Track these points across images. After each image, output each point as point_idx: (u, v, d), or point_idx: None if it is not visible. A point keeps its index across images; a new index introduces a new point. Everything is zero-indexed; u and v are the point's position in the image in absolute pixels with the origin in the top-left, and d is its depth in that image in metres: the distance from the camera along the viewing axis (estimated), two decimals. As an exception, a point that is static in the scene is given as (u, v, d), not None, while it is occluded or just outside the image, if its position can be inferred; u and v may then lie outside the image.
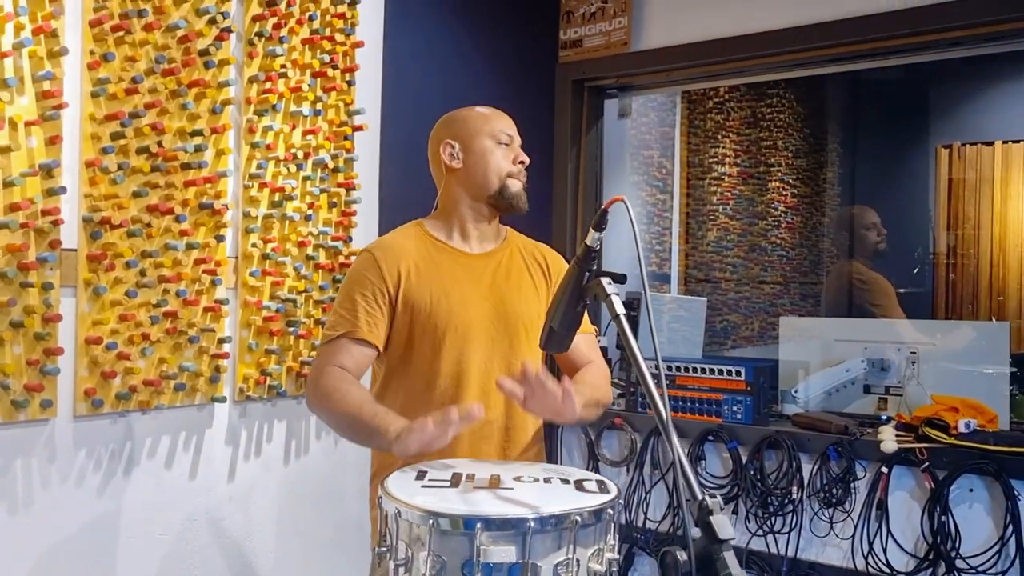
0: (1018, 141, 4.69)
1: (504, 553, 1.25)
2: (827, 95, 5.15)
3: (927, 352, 2.79)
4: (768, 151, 4.79)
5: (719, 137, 4.46)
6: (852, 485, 2.49)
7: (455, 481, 1.43)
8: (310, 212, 2.56)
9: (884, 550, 2.42)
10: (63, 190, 1.97)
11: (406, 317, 1.80)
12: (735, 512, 2.65)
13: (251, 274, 2.42)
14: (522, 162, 1.87)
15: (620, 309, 1.29)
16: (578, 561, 1.29)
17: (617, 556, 1.36)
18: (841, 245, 3.98)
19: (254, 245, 2.44)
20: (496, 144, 1.85)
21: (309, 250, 2.56)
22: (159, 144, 2.17)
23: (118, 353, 2.11)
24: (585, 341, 1.90)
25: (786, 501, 2.57)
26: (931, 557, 2.35)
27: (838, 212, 5.05)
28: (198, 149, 2.25)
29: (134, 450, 2.21)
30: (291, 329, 2.52)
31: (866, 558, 2.44)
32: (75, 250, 2.04)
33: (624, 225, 1.52)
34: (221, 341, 2.34)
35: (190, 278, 2.26)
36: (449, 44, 3.10)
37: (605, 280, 1.35)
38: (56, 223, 1.96)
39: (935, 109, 4.96)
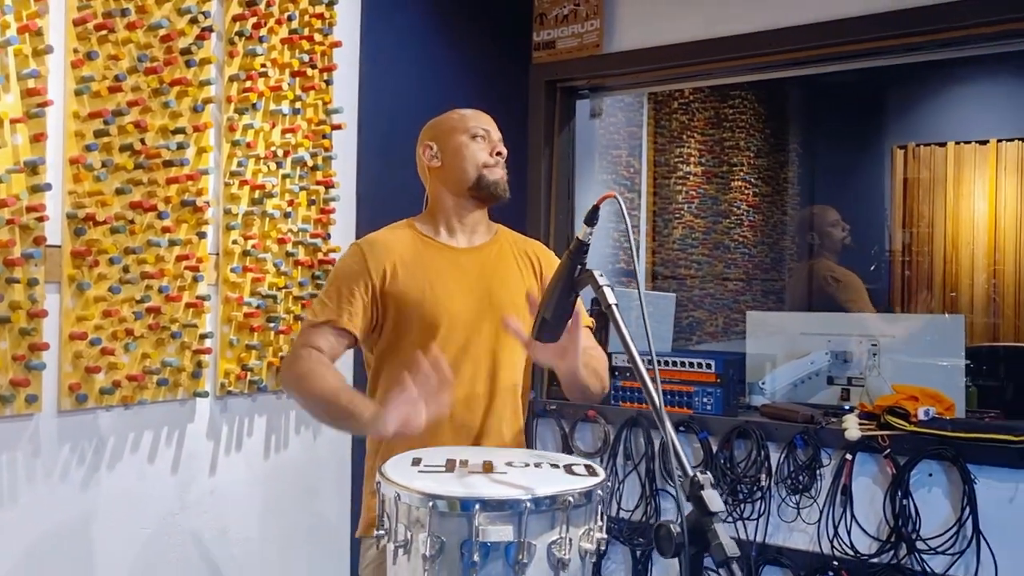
0: (969, 142, 4.86)
1: (501, 532, 1.30)
2: (787, 97, 5.28)
3: (887, 344, 2.90)
4: (731, 151, 4.89)
5: (684, 137, 4.54)
6: (818, 472, 2.58)
7: (450, 467, 1.48)
8: (289, 209, 2.59)
9: (848, 533, 2.52)
10: (48, 187, 1.98)
11: (393, 310, 1.84)
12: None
13: (232, 270, 2.44)
14: (499, 153, 1.92)
15: (612, 300, 1.35)
16: (570, 540, 1.35)
17: (605, 536, 1.43)
18: (803, 244, 4.10)
19: (235, 242, 2.46)
20: (471, 138, 1.91)
21: (289, 247, 2.59)
22: (142, 142, 2.19)
23: (102, 348, 2.12)
24: (584, 334, 1.93)
25: (755, 488, 2.66)
26: (893, 540, 2.45)
27: (799, 212, 5.18)
28: (180, 147, 2.27)
29: (117, 444, 2.22)
30: (271, 325, 2.55)
31: (831, 542, 2.53)
32: (59, 246, 2.05)
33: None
34: (203, 337, 2.36)
35: (172, 274, 2.28)
36: (425, 44, 3.15)
37: (597, 272, 1.41)
38: (41, 219, 1.98)
39: (891, 111, 5.13)
